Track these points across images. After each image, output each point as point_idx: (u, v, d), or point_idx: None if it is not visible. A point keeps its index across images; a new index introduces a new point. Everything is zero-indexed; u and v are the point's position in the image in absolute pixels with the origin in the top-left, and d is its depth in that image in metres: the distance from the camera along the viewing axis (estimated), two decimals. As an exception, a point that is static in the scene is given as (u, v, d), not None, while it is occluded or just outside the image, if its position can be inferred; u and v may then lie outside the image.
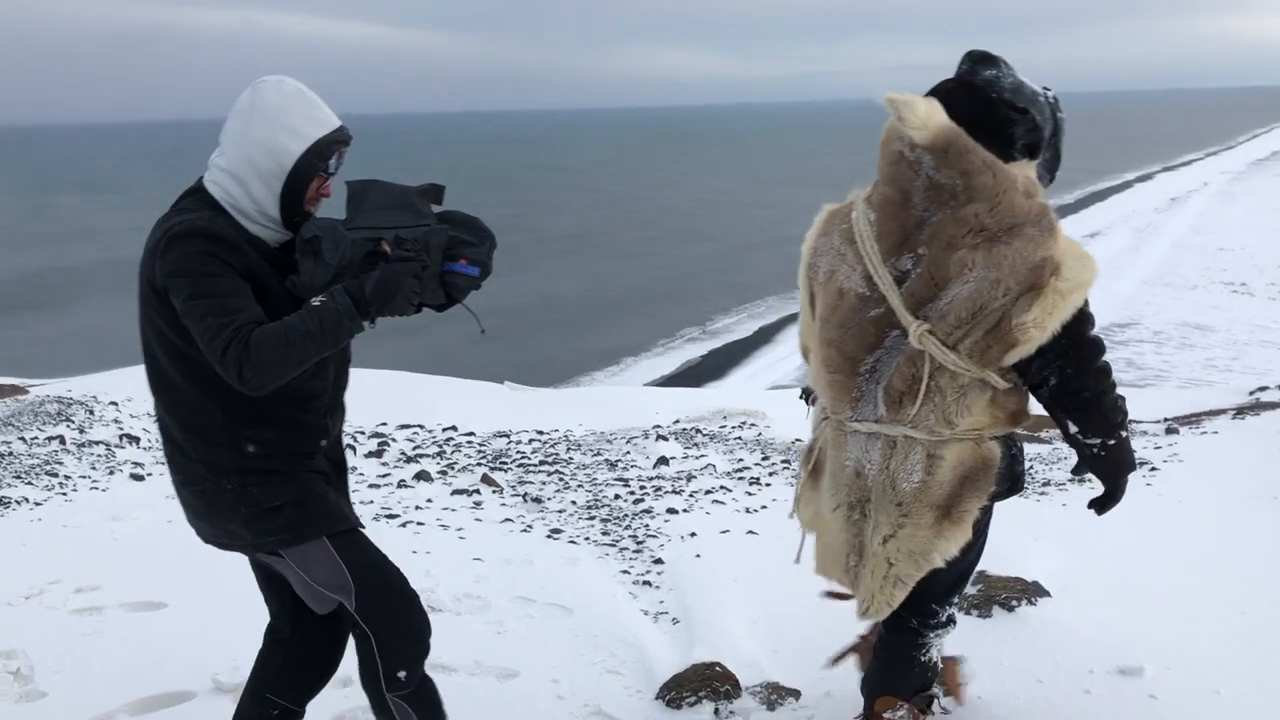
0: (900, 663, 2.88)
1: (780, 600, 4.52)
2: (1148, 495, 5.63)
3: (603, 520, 5.71)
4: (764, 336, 38.45)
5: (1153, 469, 6.10)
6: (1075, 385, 2.40)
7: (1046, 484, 5.96)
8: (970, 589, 4.37)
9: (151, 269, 2.34)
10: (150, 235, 2.39)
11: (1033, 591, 4.33)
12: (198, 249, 2.28)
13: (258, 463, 2.46)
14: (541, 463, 6.91)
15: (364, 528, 2.65)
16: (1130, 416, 2.73)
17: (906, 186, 2.40)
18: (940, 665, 2.98)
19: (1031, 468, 6.42)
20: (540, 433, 8.42)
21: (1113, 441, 2.45)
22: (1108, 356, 2.43)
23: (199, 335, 2.26)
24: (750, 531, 5.40)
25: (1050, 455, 6.77)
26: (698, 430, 8.33)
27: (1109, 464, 2.49)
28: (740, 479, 6.50)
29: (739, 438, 8.07)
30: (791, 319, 41.86)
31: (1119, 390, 2.45)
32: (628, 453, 7.42)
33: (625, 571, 4.92)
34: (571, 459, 7.26)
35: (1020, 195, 2.32)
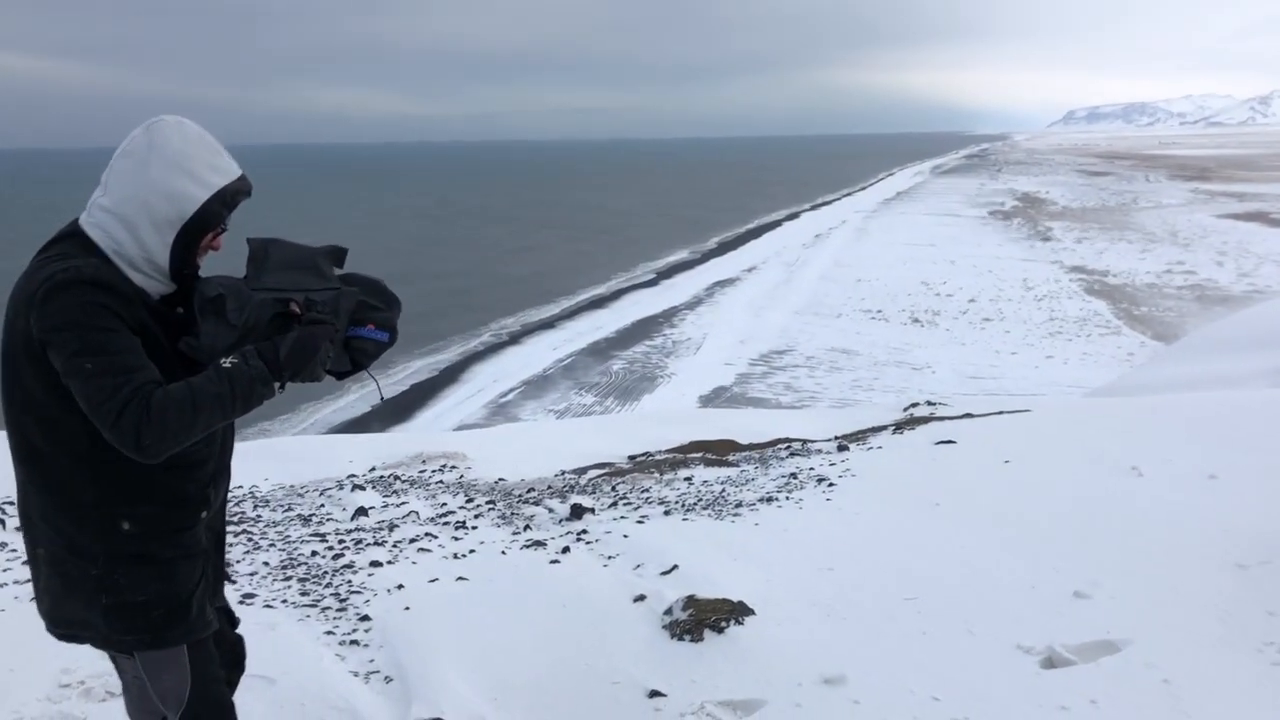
0: None
1: (497, 646, 4.45)
2: (830, 510, 6.06)
3: (300, 580, 5.37)
4: (450, 376, 38.11)
5: (831, 484, 6.57)
6: None
7: (739, 505, 6.26)
8: (681, 614, 4.52)
9: (26, 322, 2.08)
10: (21, 284, 2.13)
11: (739, 611, 4.53)
12: (88, 299, 2.04)
13: (130, 545, 2.22)
14: (225, 523, 6.37)
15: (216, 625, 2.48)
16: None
17: None
18: None
19: (724, 491, 6.73)
20: (220, 490, 7.74)
21: None
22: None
23: (87, 396, 2.03)
24: (460, 578, 5.27)
25: (739, 478, 7.13)
26: (396, 477, 8.06)
27: None
28: (445, 524, 6.34)
29: (440, 481, 7.88)
30: (475, 357, 41.87)
31: None
32: (322, 505, 7.04)
33: (330, 632, 4.65)
34: (260, 516, 6.78)
35: None
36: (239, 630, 2.80)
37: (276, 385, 2.17)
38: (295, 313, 2.23)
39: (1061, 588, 4.46)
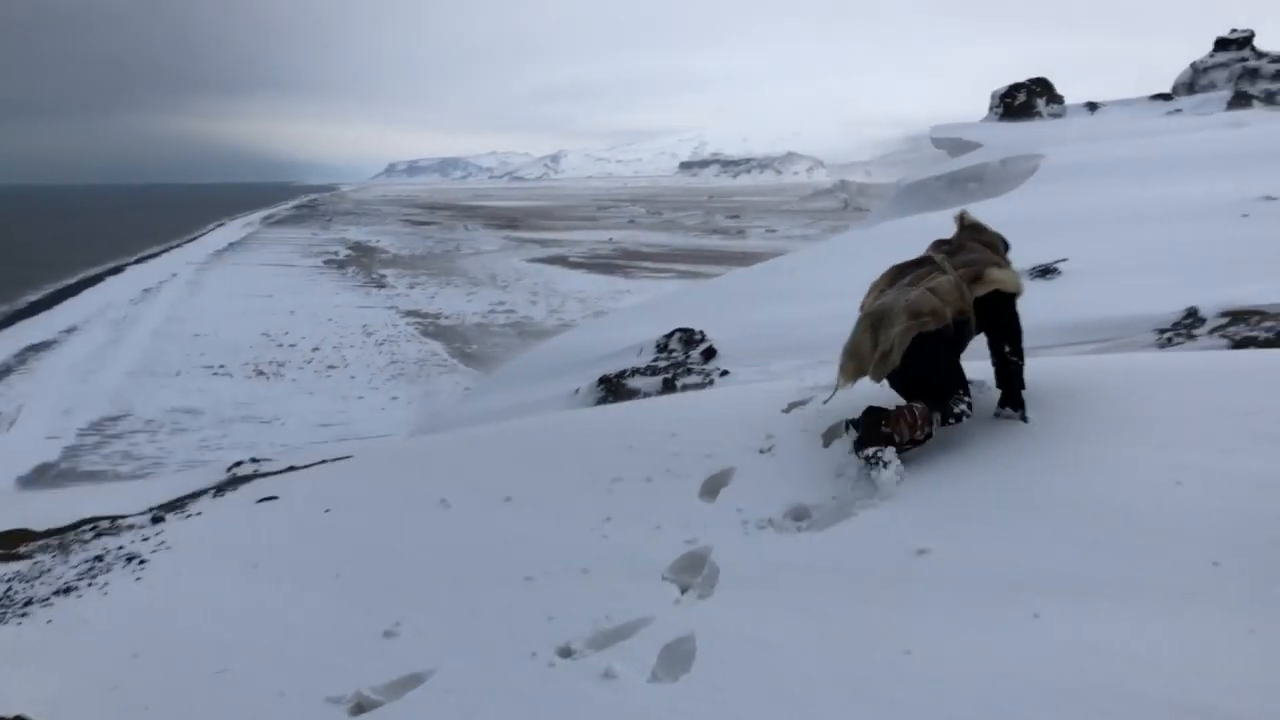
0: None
1: None
2: (140, 590, 5.59)
3: None
4: None
5: (143, 562, 6.07)
6: (1014, 325, 5.25)
7: (29, 603, 5.51)
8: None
9: None
10: None
11: (17, 729, 3.97)
12: None
13: None
14: None
15: None
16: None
17: (962, 235, 5.55)
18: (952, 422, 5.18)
19: (10, 589, 5.89)
20: None
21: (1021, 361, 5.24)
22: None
23: None
24: None
25: (31, 572, 6.28)
26: None
27: (1019, 374, 5.22)
28: None
29: None
30: None
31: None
32: None
33: None
34: None
35: (1000, 245, 5.54)
36: None
37: None
38: None
39: (372, 630, 4.58)
